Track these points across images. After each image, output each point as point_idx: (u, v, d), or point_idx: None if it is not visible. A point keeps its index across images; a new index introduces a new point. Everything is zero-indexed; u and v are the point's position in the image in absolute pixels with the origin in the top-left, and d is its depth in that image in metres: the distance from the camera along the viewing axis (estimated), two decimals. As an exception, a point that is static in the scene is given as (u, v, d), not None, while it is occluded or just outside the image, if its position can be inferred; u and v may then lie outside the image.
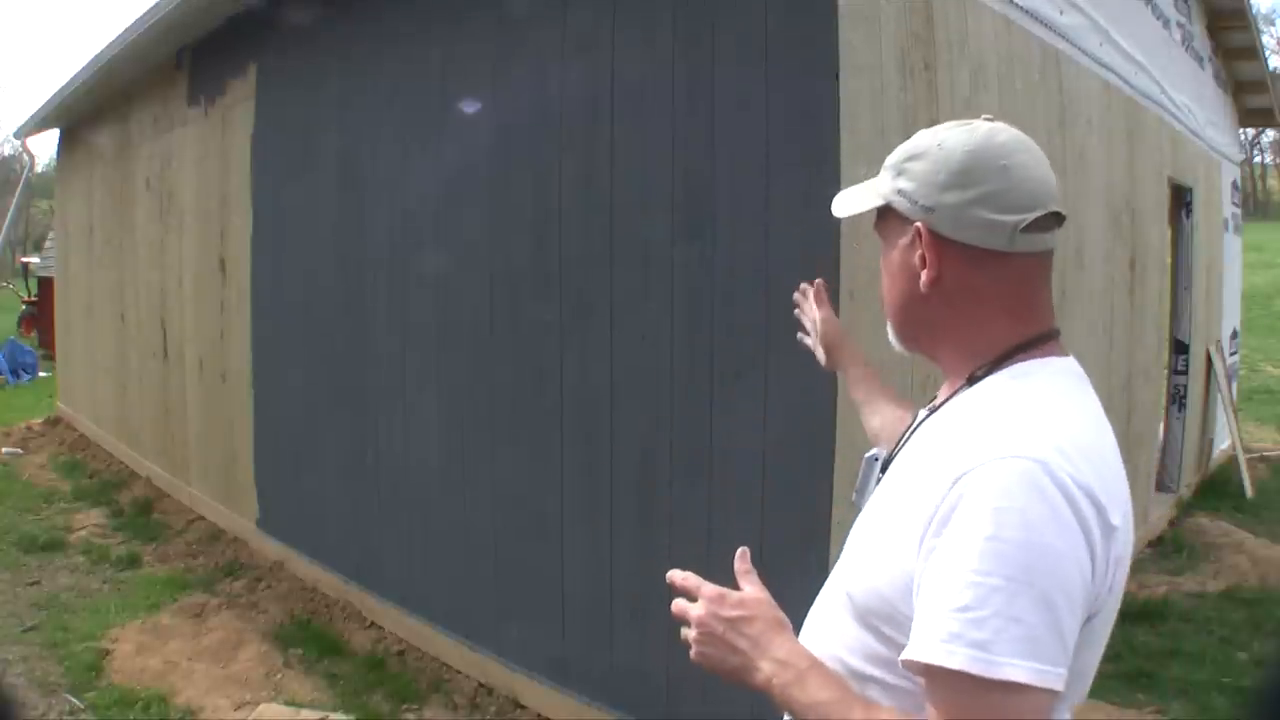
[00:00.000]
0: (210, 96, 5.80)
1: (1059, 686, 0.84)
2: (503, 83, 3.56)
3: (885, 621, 0.96)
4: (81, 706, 3.60)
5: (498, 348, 3.62)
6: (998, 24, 3.20)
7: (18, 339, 14.42)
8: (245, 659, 3.97)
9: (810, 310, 1.54)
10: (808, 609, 1.12)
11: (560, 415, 3.34)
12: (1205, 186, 6.37)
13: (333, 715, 3.42)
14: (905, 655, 0.88)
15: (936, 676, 0.86)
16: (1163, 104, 5.31)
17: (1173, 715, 3.44)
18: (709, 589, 1.02)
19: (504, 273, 3.58)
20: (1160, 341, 5.59)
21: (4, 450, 8.18)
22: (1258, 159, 41.03)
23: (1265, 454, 7.41)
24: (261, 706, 3.49)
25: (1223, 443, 7.06)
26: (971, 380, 1.02)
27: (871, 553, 1.00)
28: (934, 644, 0.85)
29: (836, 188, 1.15)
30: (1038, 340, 1.01)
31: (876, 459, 1.19)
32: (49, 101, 8.36)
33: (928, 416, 1.09)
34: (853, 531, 1.10)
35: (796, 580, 1.24)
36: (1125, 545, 0.92)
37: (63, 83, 7.78)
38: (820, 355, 1.52)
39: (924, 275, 1.02)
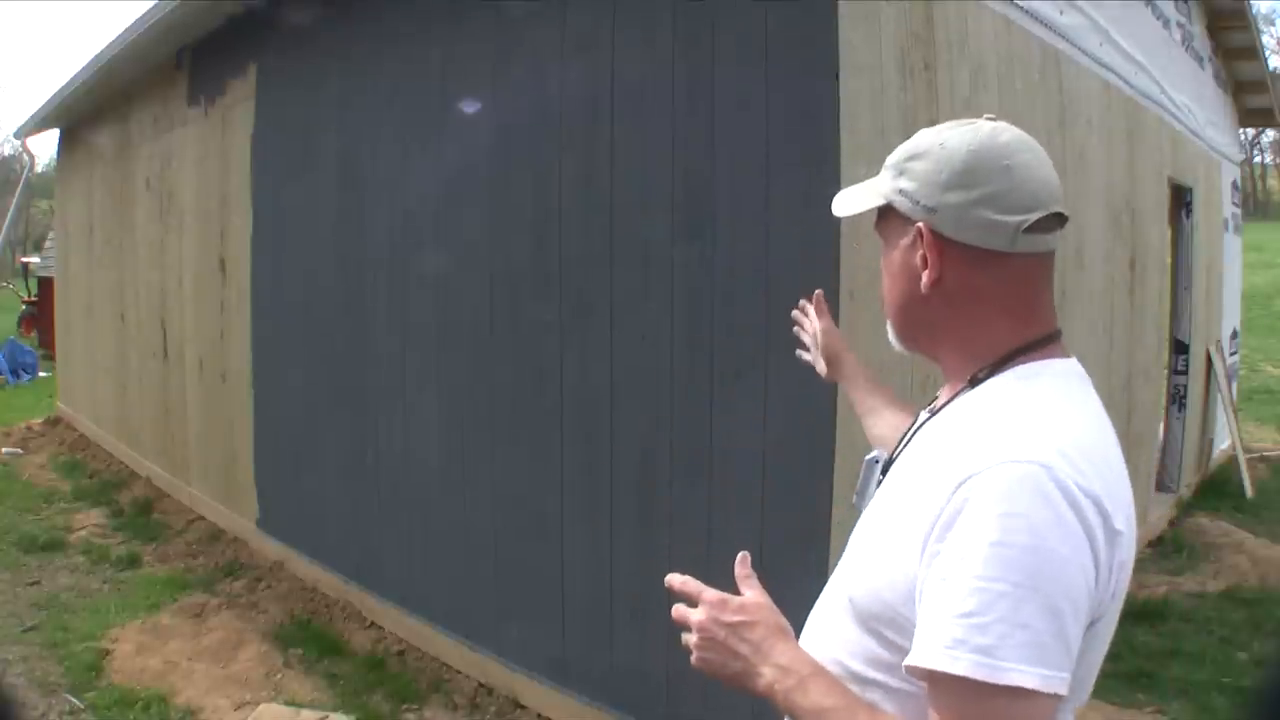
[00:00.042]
0: (210, 96, 5.80)
1: (1064, 691, 0.84)
2: (502, 83, 3.56)
3: (887, 625, 0.95)
4: (81, 706, 3.60)
5: (498, 348, 3.62)
6: (998, 24, 3.20)
7: (18, 339, 14.42)
8: (245, 659, 3.97)
9: (810, 323, 1.53)
10: (808, 610, 1.12)
11: (560, 415, 3.34)
12: (1205, 186, 6.37)
13: (333, 715, 3.42)
14: (909, 661, 0.88)
15: (941, 682, 0.85)
16: (1163, 104, 5.31)
17: (1173, 715, 3.44)
18: (710, 594, 1.01)
19: (504, 273, 3.58)
20: (1160, 341, 5.59)
21: (4, 450, 8.18)
22: (1258, 159, 41.06)
23: (1265, 454, 7.42)
24: (261, 706, 3.49)
25: (1223, 443, 7.06)
26: (973, 382, 1.01)
27: (873, 556, 1.00)
28: (938, 650, 0.85)
29: (836, 188, 1.15)
30: (1039, 342, 1.00)
31: (877, 461, 1.18)
32: (49, 101, 8.36)
33: (929, 418, 1.08)
34: (854, 534, 1.09)
35: (796, 580, 1.24)
36: (1129, 550, 0.92)
37: (63, 83, 7.79)
38: (821, 367, 1.51)
39: (925, 276, 1.01)
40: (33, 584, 4.92)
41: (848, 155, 2.47)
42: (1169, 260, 5.75)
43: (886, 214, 1.06)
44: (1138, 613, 4.07)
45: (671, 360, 2.96)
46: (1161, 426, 6.03)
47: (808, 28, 2.61)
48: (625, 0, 3.10)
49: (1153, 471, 5.70)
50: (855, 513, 1.15)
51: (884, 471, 1.11)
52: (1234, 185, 7.69)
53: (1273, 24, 38.96)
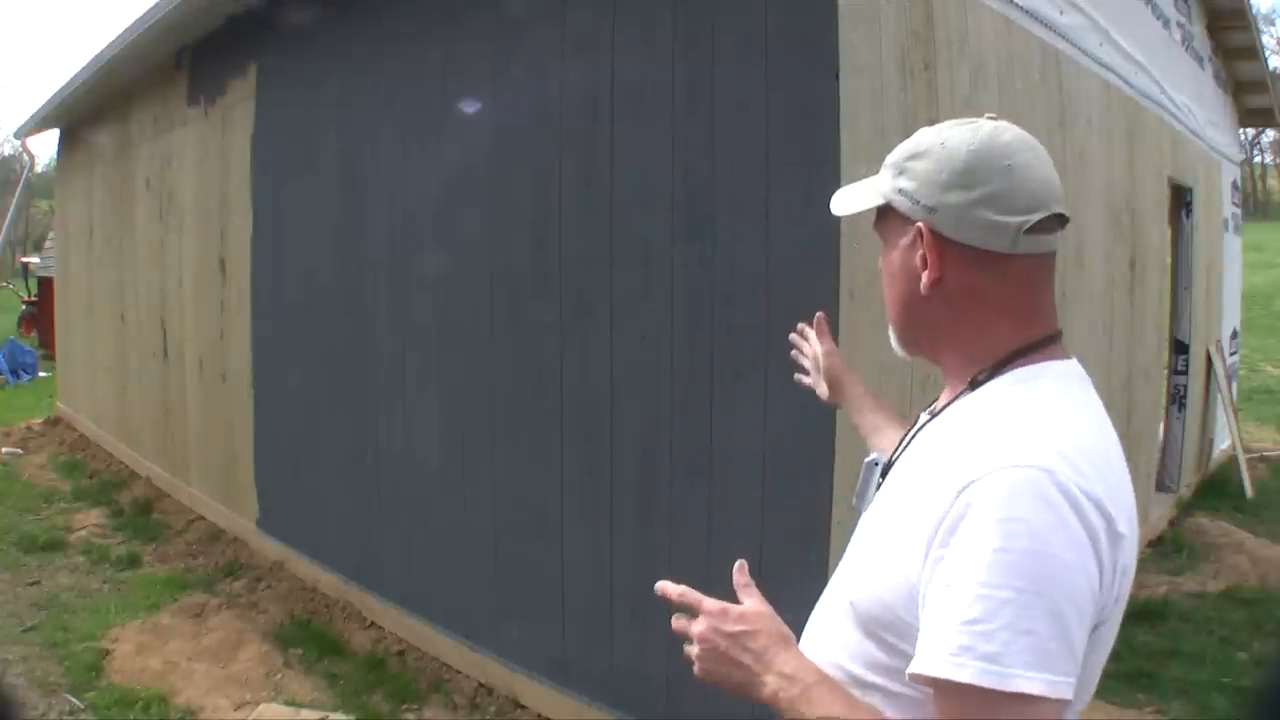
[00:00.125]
0: (210, 96, 5.80)
1: (1069, 695, 0.84)
2: (502, 83, 3.56)
3: (888, 629, 0.95)
4: (81, 706, 3.60)
5: (498, 348, 3.62)
6: (998, 24, 3.20)
7: (18, 339, 14.42)
8: (245, 659, 3.97)
9: (810, 346, 1.51)
10: (808, 611, 1.12)
11: (560, 415, 3.34)
12: (1205, 186, 6.37)
13: (333, 715, 3.41)
14: (913, 669, 0.87)
15: (946, 690, 0.85)
16: (1163, 104, 5.31)
17: (1173, 715, 3.44)
18: (710, 604, 1.01)
19: (504, 273, 3.58)
20: (1160, 341, 5.59)
21: (4, 450, 8.18)
22: (1258, 159, 41.05)
23: (1265, 454, 7.41)
24: (261, 706, 3.49)
25: (1223, 443, 7.06)
26: (973, 384, 1.00)
27: (874, 560, 0.99)
28: (943, 658, 0.84)
29: (836, 188, 1.14)
30: (1040, 343, 0.99)
31: (876, 464, 1.18)
32: (49, 101, 8.36)
33: (929, 420, 1.07)
34: (854, 538, 1.08)
35: (796, 581, 1.24)
36: (1131, 552, 0.92)
37: (63, 83, 7.79)
38: (822, 390, 1.49)
39: (925, 276, 1.00)
40: (33, 584, 4.92)
41: (848, 155, 2.47)
42: (1169, 260, 5.75)
43: (886, 214, 1.05)
44: (1138, 613, 4.07)
45: (671, 360, 2.96)
46: (1161, 426, 6.03)
47: (808, 27, 2.61)
48: (625, 0, 3.10)
49: (1153, 471, 5.70)
50: (855, 516, 1.15)
51: (883, 474, 1.11)
52: (1234, 185, 7.69)
53: (1273, 24, 38.99)
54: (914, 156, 1.02)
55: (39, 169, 23.48)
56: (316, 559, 4.75)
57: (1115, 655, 0.98)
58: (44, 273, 15.56)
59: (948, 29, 2.82)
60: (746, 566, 1.04)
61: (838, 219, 1.15)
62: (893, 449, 1.14)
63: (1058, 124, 3.67)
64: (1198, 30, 6.40)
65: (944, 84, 2.76)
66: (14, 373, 12.77)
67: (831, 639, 1.03)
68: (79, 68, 7.24)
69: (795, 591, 1.19)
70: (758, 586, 1.04)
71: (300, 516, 4.99)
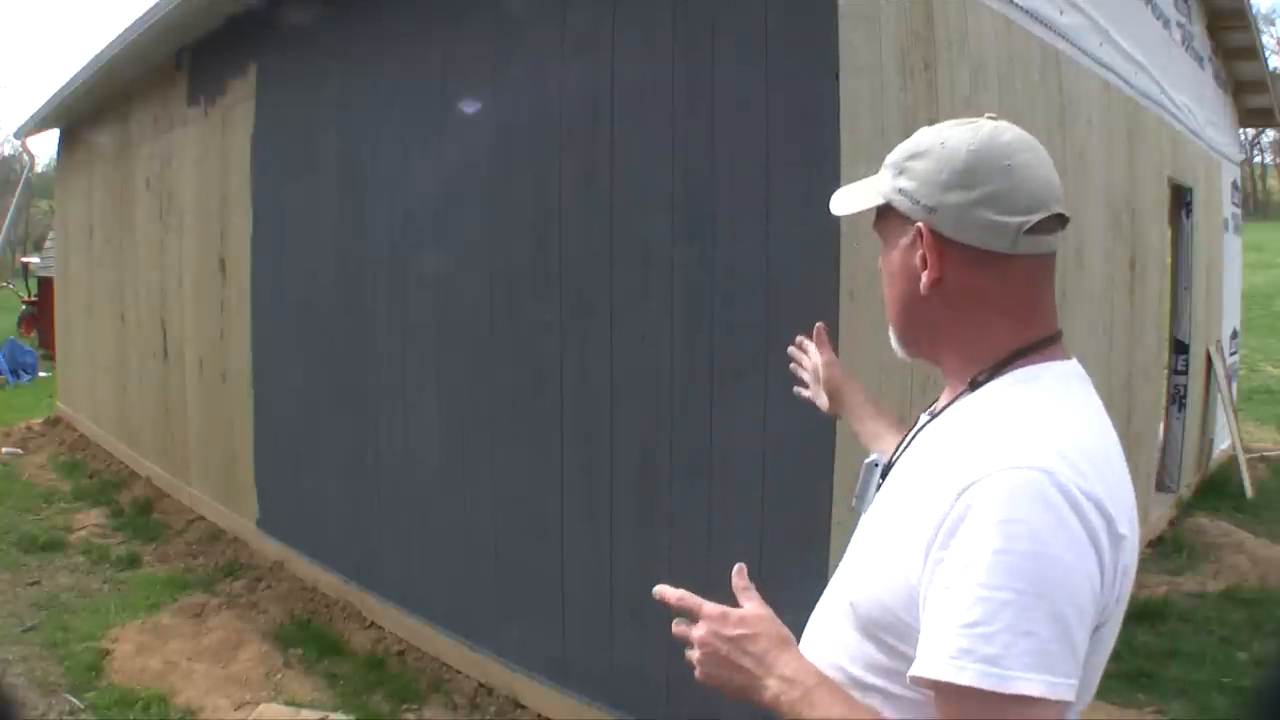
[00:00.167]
0: (210, 96, 5.80)
1: (1071, 697, 0.83)
2: (502, 83, 3.56)
3: (888, 631, 0.95)
4: (81, 706, 3.60)
5: (498, 348, 3.62)
6: (998, 24, 3.20)
7: (18, 339, 14.42)
8: (245, 659, 3.97)
9: (810, 357, 1.50)
10: (807, 611, 1.11)
11: (560, 415, 3.34)
12: (1205, 186, 6.37)
13: (333, 715, 3.42)
14: (914, 671, 0.87)
15: (947, 693, 0.85)
16: (1163, 104, 5.31)
17: (1173, 715, 3.44)
18: (709, 608, 1.00)
19: (504, 273, 3.58)
20: (1160, 341, 5.59)
21: (4, 450, 8.18)
22: (1258, 159, 41.05)
23: (1265, 454, 7.41)
24: (261, 706, 3.49)
25: (1223, 443, 7.06)
26: (973, 385, 1.00)
27: (874, 561, 0.99)
28: (944, 660, 0.84)
29: (836, 188, 1.14)
30: (1040, 344, 0.99)
31: (876, 465, 1.17)
32: (49, 101, 8.36)
33: (928, 421, 1.07)
34: (854, 539, 1.08)
35: (796, 581, 1.24)
36: (1132, 553, 0.91)
37: (63, 83, 7.79)
38: (822, 401, 1.48)
39: (925, 277, 1.00)
40: (33, 584, 4.92)
41: (848, 155, 2.47)
42: (1169, 260, 5.75)
43: (886, 213, 1.05)
44: (1138, 613, 4.07)
45: (671, 360, 2.96)
46: (1161, 426, 6.03)
47: (808, 27, 2.61)
48: (625, 0, 3.10)
49: (1153, 471, 5.70)
50: (855, 517, 1.15)
51: (884, 475, 1.10)
52: (1234, 185, 7.69)
53: (1273, 24, 38.99)
54: (914, 156, 1.01)
55: (39, 169, 23.50)
56: (316, 559, 4.75)
57: (1115, 655, 0.98)
58: (44, 273, 15.56)
59: (948, 29, 2.82)
60: (746, 570, 1.04)
61: (838, 219, 1.14)
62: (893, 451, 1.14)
63: (1058, 124, 3.67)
64: (1198, 30, 6.40)
65: (944, 84, 2.76)
66: (14, 373, 12.77)
67: (831, 640, 1.03)
68: (79, 68, 7.25)
69: (795, 592, 1.19)
70: (758, 587, 1.03)
71: (300, 516, 4.99)
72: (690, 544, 2.86)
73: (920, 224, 1.00)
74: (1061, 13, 3.75)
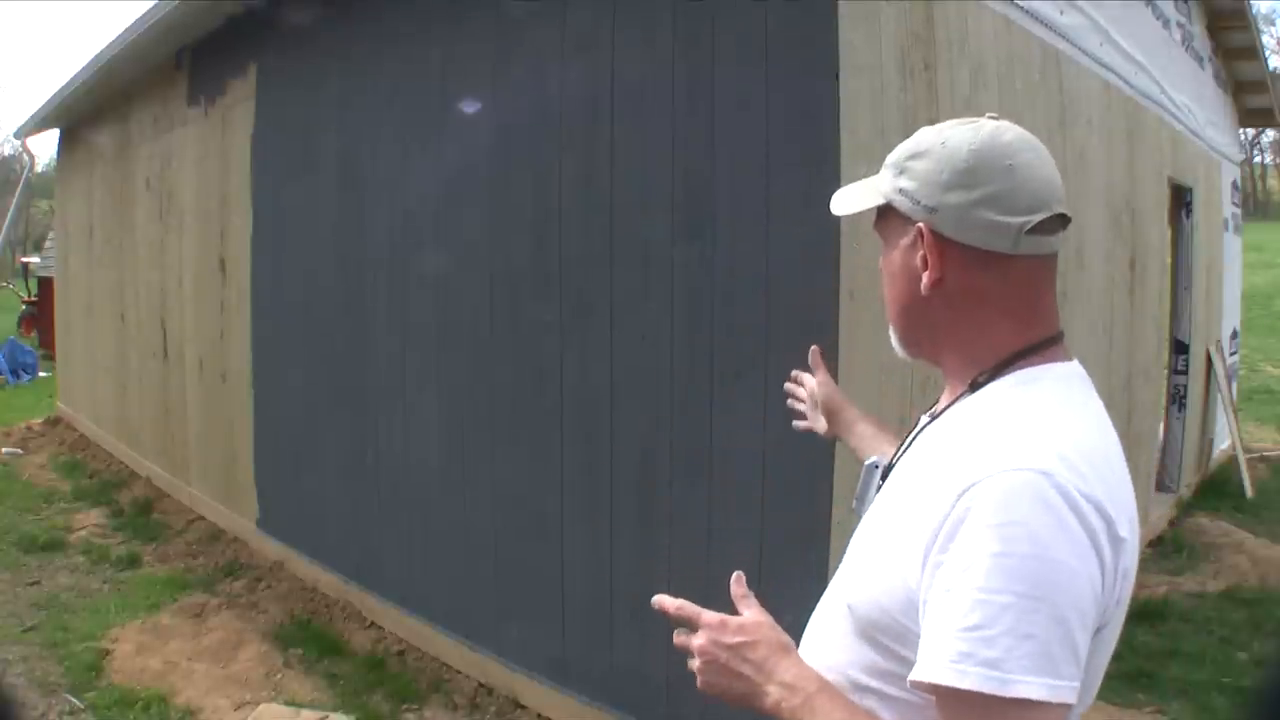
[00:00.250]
0: (210, 96, 5.80)
1: (1072, 700, 0.83)
2: (503, 83, 3.56)
3: (886, 634, 0.94)
4: (81, 706, 3.60)
5: (498, 348, 3.62)
6: (998, 24, 3.20)
7: (18, 339, 14.42)
8: (245, 659, 3.97)
9: (804, 387, 1.50)
10: (807, 612, 1.11)
11: (560, 415, 3.34)
12: (1205, 186, 6.37)
13: (333, 715, 3.42)
14: (914, 675, 0.87)
15: (947, 697, 0.84)
16: (1163, 104, 5.31)
17: (1173, 715, 3.44)
18: (708, 616, 1.00)
19: (504, 273, 3.58)
20: (1160, 341, 5.59)
21: (4, 450, 8.18)
22: (1258, 159, 41.06)
23: (1265, 454, 7.42)
24: (261, 706, 3.49)
25: (1223, 443, 7.06)
26: (974, 386, 1.00)
27: (873, 564, 0.98)
28: (944, 664, 0.84)
29: (837, 187, 1.13)
30: (1042, 345, 0.99)
31: (877, 466, 1.17)
32: (49, 101, 8.36)
33: (929, 423, 1.06)
34: (853, 541, 1.08)
35: (796, 581, 1.24)
36: (1132, 556, 0.91)
37: (63, 83, 7.79)
38: (821, 425, 1.47)
39: (926, 277, 0.99)
40: (33, 584, 4.92)
41: (848, 155, 2.47)
42: (1169, 260, 5.75)
43: (886, 214, 1.04)
44: (1138, 613, 4.07)
45: (671, 360, 2.96)
46: (1161, 426, 6.03)
47: (808, 27, 2.61)
48: (625, 0, 3.10)
49: (1153, 471, 5.70)
50: (855, 519, 1.14)
51: (884, 477, 1.10)
52: (1234, 185, 7.69)
53: (1273, 24, 38.98)
54: (915, 156, 1.01)
55: (39, 169, 23.50)
56: (316, 559, 4.75)
57: (1115, 655, 0.98)
58: (44, 273, 15.56)
59: (948, 29, 2.82)
60: (744, 578, 1.03)
61: (838, 219, 1.14)
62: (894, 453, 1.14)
63: (1058, 124, 3.68)
64: (1198, 30, 6.40)
65: (944, 84, 2.76)
66: (14, 373, 12.77)
67: (830, 643, 1.03)
68: (79, 68, 7.24)
69: (795, 592, 1.19)
70: (758, 588, 1.03)
71: (300, 516, 4.99)
72: (690, 544, 2.86)
73: (921, 224, 0.99)
74: (1061, 13, 3.75)
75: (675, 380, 2.96)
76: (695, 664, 1.00)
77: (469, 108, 3.69)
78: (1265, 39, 14.42)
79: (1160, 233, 5.36)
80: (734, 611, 1.02)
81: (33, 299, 16.97)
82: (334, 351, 4.64)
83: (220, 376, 5.76)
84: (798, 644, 1.04)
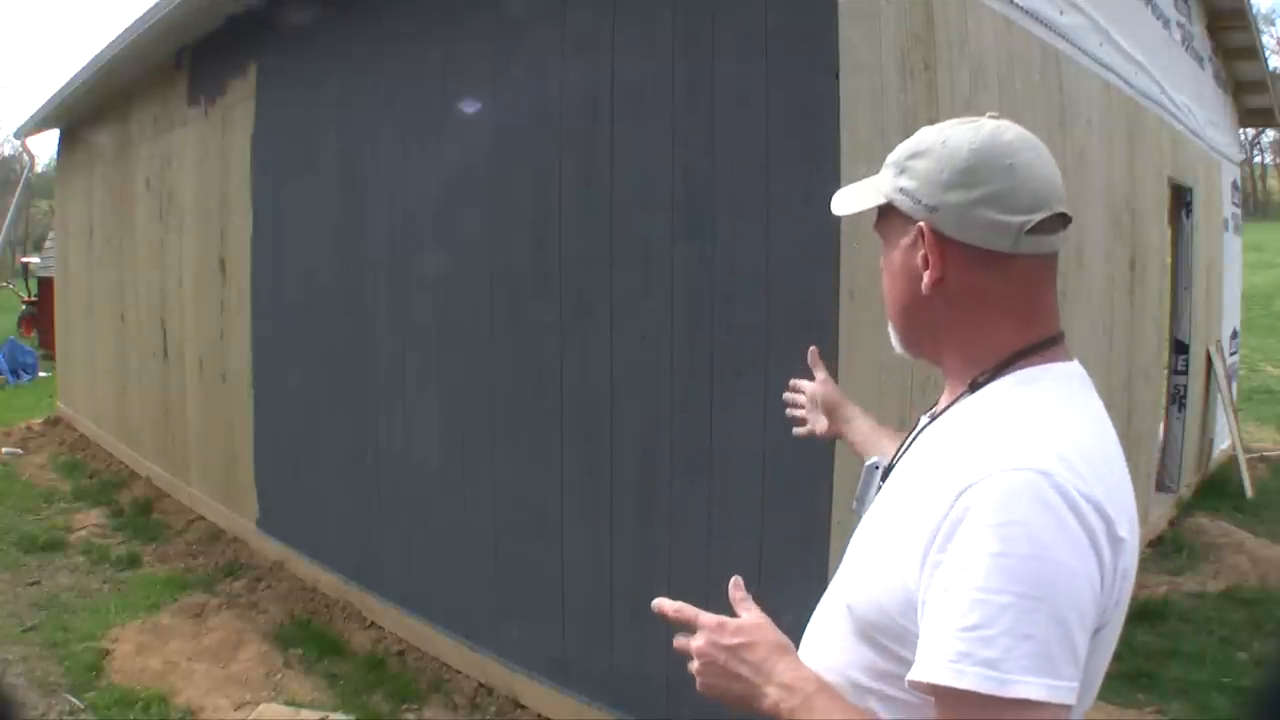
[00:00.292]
0: (210, 96, 5.80)
1: (1071, 700, 0.83)
2: (503, 83, 3.56)
3: (885, 634, 0.94)
4: (81, 706, 3.60)
5: (498, 348, 3.62)
6: (998, 24, 3.19)
7: (18, 339, 14.42)
8: (245, 659, 3.97)
9: (802, 393, 1.50)
10: (807, 612, 1.11)
11: (560, 415, 3.34)
12: (1205, 186, 6.37)
13: (333, 715, 3.41)
14: (913, 675, 0.87)
15: (946, 697, 0.84)
16: (1163, 104, 5.30)
17: (1173, 715, 3.44)
18: (706, 618, 1.00)
19: (504, 273, 3.58)
20: (1160, 341, 5.59)
21: (4, 450, 8.17)
22: (1258, 159, 41.05)
23: (1265, 454, 7.41)
24: (261, 706, 3.49)
25: (1223, 443, 7.05)
26: (974, 386, 0.99)
27: (873, 564, 0.98)
28: (942, 664, 0.83)
29: (837, 186, 1.13)
30: (1042, 345, 0.99)
31: (877, 467, 1.17)
32: (49, 101, 8.36)
33: (929, 423, 1.06)
34: (853, 541, 1.08)
35: (796, 581, 1.24)
36: (1132, 556, 0.91)
37: (63, 83, 7.79)
38: (821, 426, 1.47)
39: (926, 276, 0.99)
40: (33, 584, 4.92)
41: (848, 154, 2.47)
42: (1169, 260, 5.75)
43: (887, 213, 1.04)
44: (1138, 613, 4.07)
45: (671, 360, 2.96)
46: (1161, 426, 6.03)
47: (808, 26, 2.61)
48: (625, 0, 3.10)
49: (1153, 471, 5.70)
50: (855, 519, 1.14)
51: (884, 477, 1.10)
52: (1234, 185, 7.69)
53: (1273, 24, 38.98)
54: (915, 155, 1.01)
55: (39, 169, 23.47)
56: (316, 559, 4.75)
57: (1115, 655, 0.98)
58: (44, 273, 15.56)
59: (948, 30, 2.81)
60: (742, 581, 1.04)
61: (838, 218, 1.14)
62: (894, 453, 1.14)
63: (1058, 124, 3.67)
64: (1198, 30, 6.39)
65: (944, 85, 2.76)
66: (14, 373, 12.77)
67: (829, 643, 1.03)
68: (79, 68, 7.25)
69: (795, 592, 1.19)
70: (758, 588, 1.03)
71: (300, 516, 4.99)
72: (690, 544, 2.86)
73: (922, 223, 0.99)
74: (1061, 13, 3.75)
75: (675, 380, 2.96)
76: (694, 666, 1.00)
77: (469, 107, 3.69)
78: (1265, 39, 14.43)
79: (1160, 233, 5.35)
80: (733, 613, 1.02)
81: (33, 299, 16.97)
82: (334, 351, 4.64)
83: (220, 376, 5.76)
84: (797, 645, 1.04)
